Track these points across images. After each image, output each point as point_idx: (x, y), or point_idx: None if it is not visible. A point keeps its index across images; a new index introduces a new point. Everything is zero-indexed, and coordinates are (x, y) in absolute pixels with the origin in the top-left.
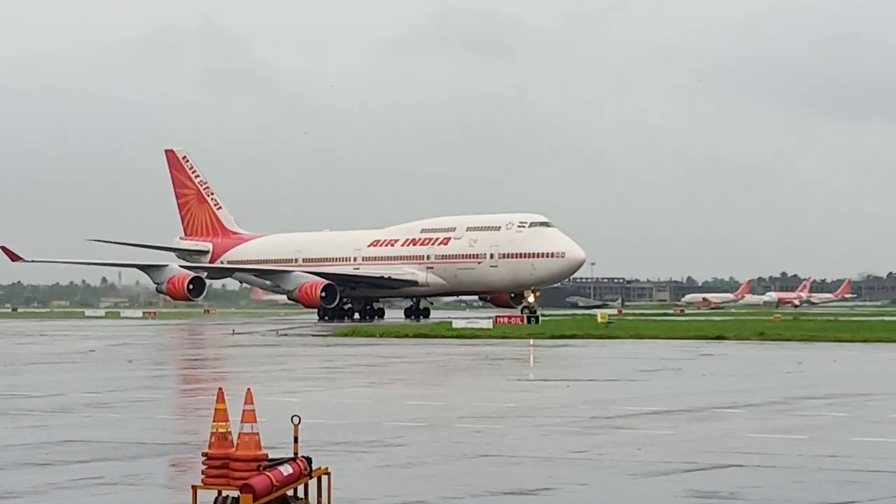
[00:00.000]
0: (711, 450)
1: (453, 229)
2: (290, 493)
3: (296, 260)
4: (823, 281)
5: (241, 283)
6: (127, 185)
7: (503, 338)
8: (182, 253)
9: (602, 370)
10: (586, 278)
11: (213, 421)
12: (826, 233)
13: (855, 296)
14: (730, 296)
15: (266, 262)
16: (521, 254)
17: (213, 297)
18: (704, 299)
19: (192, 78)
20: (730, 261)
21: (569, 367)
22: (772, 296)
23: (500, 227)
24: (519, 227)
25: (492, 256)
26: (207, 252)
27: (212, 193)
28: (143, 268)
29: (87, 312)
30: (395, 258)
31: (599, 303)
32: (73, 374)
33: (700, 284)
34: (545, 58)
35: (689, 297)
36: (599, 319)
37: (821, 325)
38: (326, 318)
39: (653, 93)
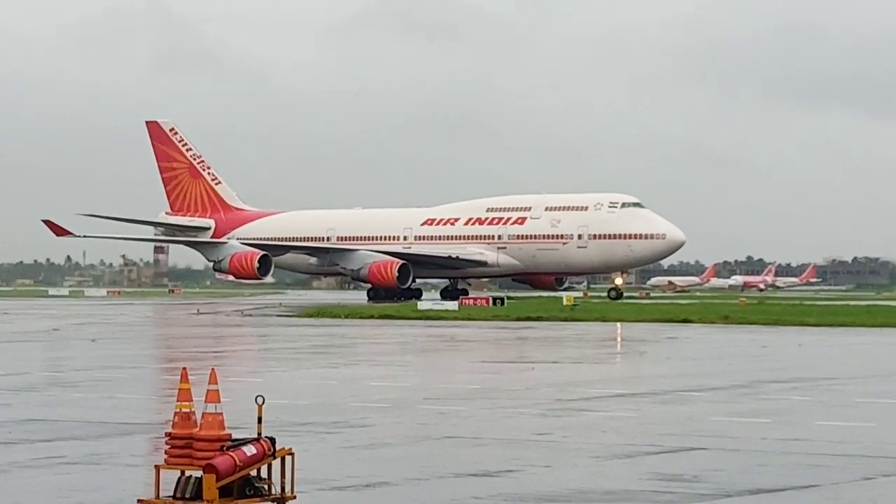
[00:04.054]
0: (676, 433)
1: (528, 209)
2: (253, 473)
3: (328, 238)
4: (789, 265)
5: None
6: (84, 163)
7: (468, 319)
8: (171, 229)
9: (567, 353)
10: None
11: (177, 401)
12: (791, 217)
13: (820, 280)
14: (695, 279)
15: (291, 239)
16: (615, 234)
17: (177, 277)
18: (670, 282)
19: (142, 59)
20: (695, 244)
21: (533, 350)
22: (737, 279)
23: (587, 207)
24: (610, 207)
25: (580, 237)
26: (208, 229)
27: (208, 167)
28: (194, 244)
29: (51, 291)
30: (457, 237)
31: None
32: (37, 352)
33: (666, 268)
34: (499, 43)
35: (654, 280)
36: (565, 302)
37: (786, 309)
38: (377, 298)
39: (611, 80)
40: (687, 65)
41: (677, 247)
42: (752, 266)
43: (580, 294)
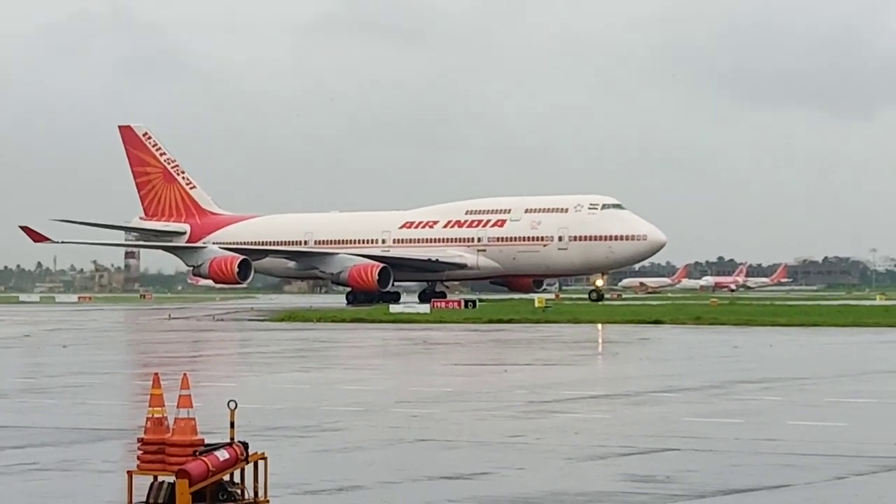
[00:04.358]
0: (648, 434)
1: (507, 211)
2: (226, 478)
3: (305, 242)
4: (759, 265)
5: (191, 266)
6: (50, 167)
7: (440, 322)
8: (146, 234)
9: (539, 354)
10: None
11: (149, 406)
12: (762, 218)
13: (791, 280)
14: (666, 280)
15: (269, 243)
16: (595, 236)
17: (148, 282)
18: (641, 284)
19: (107, 64)
20: (666, 246)
21: (506, 352)
22: (708, 280)
23: (567, 209)
24: (590, 208)
25: (560, 239)
26: (183, 233)
27: (182, 172)
28: (172, 249)
29: (22, 297)
30: (435, 240)
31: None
32: (8, 359)
33: (637, 269)
34: (465, 46)
35: (626, 282)
36: (537, 304)
37: (757, 309)
38: (355, 302)
39: (577, 81)
40: (651, 66)
41: (658, 248)
42: (723, 267)
43: (552, 296)
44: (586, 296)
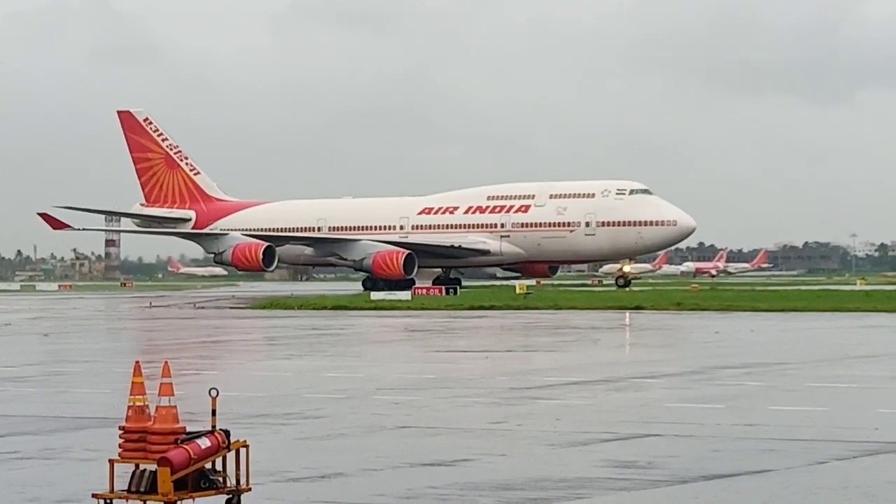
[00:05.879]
0: (630, 420)
1: (531, 196)
2: (208, 466)
3: (318, 228)
4: (740, 251)
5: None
6: (26, 157)
7: (421, 309)
8: (147, 220)
9: (520, 341)
10: None
11: (131, 394)
12: (742, 203)
13: (771, 265)
14: (647, 266)
15: (280, 229)
16: (624, 222)
17: (128, 270)
18: (622, 269)
19: (84, 53)
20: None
21: (487, 338)
22: (689, 266)
23: (594, 195)
24: (618, 194)
25: (587, 224)
26: (188, 220)
27: (185, 158)
28: (191, 236)
29: (2, 286)
30: (457, 226)
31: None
32: None
33: None
34: (436, 35)
35: (606, 268)
36: (518, 290)
37: (738, 294)
38: (375, 289)
39: (549, 70)
40: (629, 54)
41: (688, 233)
42: (704, 252)
43: (533, 282)
44: (571, 282)
